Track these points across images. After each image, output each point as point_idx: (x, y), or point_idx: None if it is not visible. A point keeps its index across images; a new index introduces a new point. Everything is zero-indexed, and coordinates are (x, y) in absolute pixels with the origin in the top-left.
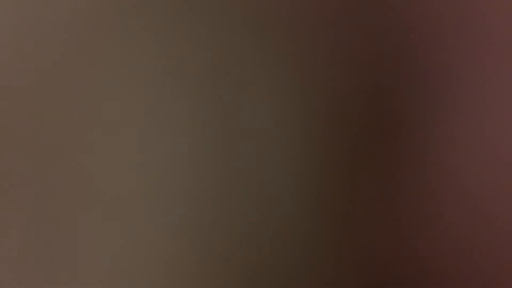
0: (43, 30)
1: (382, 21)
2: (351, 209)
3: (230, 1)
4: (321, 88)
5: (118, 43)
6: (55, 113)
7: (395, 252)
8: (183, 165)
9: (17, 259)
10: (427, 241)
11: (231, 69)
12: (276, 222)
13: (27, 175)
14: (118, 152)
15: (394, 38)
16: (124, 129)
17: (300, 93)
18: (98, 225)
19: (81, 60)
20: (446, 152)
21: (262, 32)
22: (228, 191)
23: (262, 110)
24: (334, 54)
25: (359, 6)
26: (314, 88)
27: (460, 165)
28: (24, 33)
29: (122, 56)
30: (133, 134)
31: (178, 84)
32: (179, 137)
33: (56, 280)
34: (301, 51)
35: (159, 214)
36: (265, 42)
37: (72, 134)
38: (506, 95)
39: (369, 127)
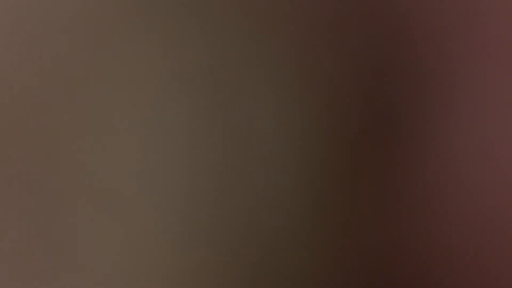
0: (44, 30)
1: (382, 22)
2: (351, 210)
3: (231, 1)
4: (321, 89)
5: (118, 43)
6: (55, 113)
7: (395, 253)
8: (183, 165)
9: (17, 259)
10: (427, 242)
11: (231, 69)
12: (276, 223)
13: (28, 175)
14: (119, 152)
15: (394, 38)
16: (124, 129)
17: (300, 94)
18: (99, 226)
19: (82, 61)
20: (446, 153)
21: (263, 33)
22: (228, 192)
23: (262, 111)
24: (334, 55)
25: (359, 7)
26: (314, 89)
27: (460, 166)
28: (25, 33)
29: (123, 56)
30: (134, 134)
31: (178, 84)
32: (179, 137)
33: (56, 280)
34: (301, 51)
35: (160, 214)
36: (265, 43)
37: (72, 134)
38: (506, 95)
39: (369, 127)
